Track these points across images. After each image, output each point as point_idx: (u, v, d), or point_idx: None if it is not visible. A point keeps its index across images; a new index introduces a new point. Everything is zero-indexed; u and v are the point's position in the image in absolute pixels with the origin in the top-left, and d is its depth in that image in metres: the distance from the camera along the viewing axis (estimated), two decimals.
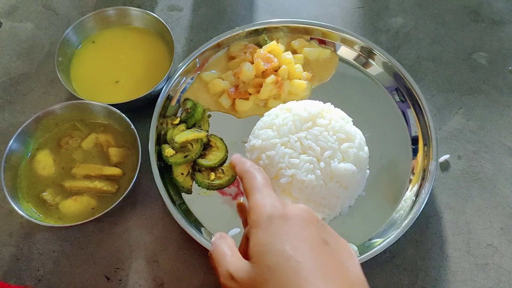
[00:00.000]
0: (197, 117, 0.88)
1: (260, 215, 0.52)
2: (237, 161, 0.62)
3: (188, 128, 0.88)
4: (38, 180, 0.80)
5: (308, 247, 0.48)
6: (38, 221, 0.75)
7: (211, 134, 0.88)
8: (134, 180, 0.77)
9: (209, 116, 0.91)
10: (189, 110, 0.89)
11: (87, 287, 0.77)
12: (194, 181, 0.84)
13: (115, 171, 0.80)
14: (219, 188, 0.84)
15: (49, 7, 1.06)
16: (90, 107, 0.83)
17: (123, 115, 0.81)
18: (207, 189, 0.84)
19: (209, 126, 0.90)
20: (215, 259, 0.54)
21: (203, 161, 0.85)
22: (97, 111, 0.84)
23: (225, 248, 0.54)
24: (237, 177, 0.62)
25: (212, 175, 0.84)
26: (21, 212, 0.74)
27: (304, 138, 0.77)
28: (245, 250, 0.53)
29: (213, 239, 0.57)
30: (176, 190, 0.84)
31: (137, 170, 0.78)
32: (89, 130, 0.85)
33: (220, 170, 0.85)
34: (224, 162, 0.87)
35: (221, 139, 0.88)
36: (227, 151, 0.87)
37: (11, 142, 0.79)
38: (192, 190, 0.84)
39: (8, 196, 0.75)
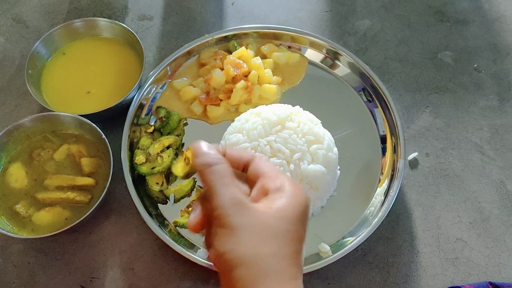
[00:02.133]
0: (172, 125, 0.89)
1: (275, 183, 0.51)
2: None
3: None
4: (11, 192, 0.80)
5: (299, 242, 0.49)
6: (11, 233, 0.75)
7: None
8: (106, 189, 0.77)
9: (186, 124, 0.91)
10: (163, 119, 0.89)
11: None
12: (179, 227, 0.82)
13: (88, 181, 0.81)
14: None
15: (19, 20, 1.06)
16: (60, 119, 0.84)
17: (94, 125, 0.82)
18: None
19: (184, 133, 0.90)
20: (211, 185, 0.50)
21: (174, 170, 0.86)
22: (68, 122, 0.84)
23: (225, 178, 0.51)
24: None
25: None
26: None
27: (273, 141, 0.79)
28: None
29: (197, 149, 0.53)
30: (151, 200, 0.84)
31: (109, 179, 0.78)
32: (61, 141, 0.85)
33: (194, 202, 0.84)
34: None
35: None
36: None
37: None
38: (168, 200, 0.84)
39: None
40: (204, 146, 0.53)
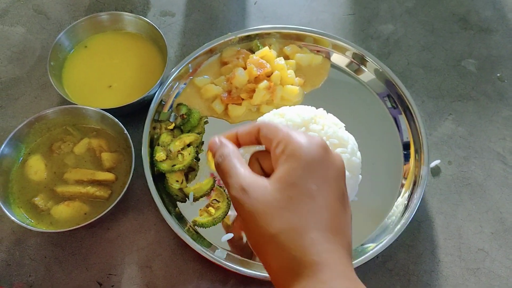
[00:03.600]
0: (193, 123, 0.88)
1: (298, 147, 0.49)
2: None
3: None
4: (29, 185, 0.80)
5: (333, 200, 0.49)
6: (29, 226, 0.74)
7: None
8: (127, 185, 0.77)
9: (206, 122, 0.91)
10: (184, 116, 0.88)
11: None
12: (198, 227, 0.81)
13: (108, 176, 0.80)
14: (224, 216, 0.82)
15: (41, 11, 1.05)
16: (83, 112, 0.83)
17: (116, 120, 0.81)
18: (213, 225, 0.81)
19: (204, 132, 0.90)
20: (225, 170, 0.52)
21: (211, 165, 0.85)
22: (90, 116, 0.83)
23: (234, 159, 0.52)
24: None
25: (212, 210, 0.82)
26: (12, 218, 0.73)
27: None
28: (257, 170, 0.54)
29: (211, 145, 0.55)
30: (170, 198, 0.83)
31: (130, 175, 0.77)
32: (82, 135, 0.84)
33: (214, 201, 0.83)
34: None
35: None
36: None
37: (2, 147, 0.78)
38: (187, 199, 0.84)
39: None
40: (214, 142, 0.55)
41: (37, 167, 0.81)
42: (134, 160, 0.79)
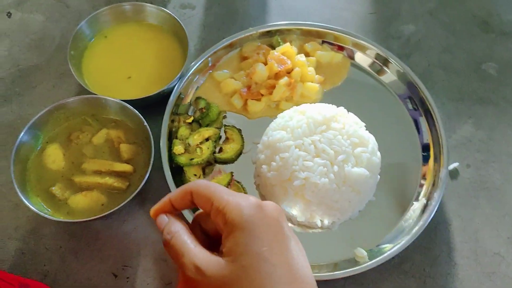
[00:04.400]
0: (212, 117, 0.88)
1: (237, 215, 0.50)
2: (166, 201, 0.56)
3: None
4: (47, 174, 0.79)
5: (281, 250, 0.49)
6: (47, 215, 0.74)
7: (228, 125, 0.89)
8: (146, 177, 0.76)
9: (225, 117, 0.90)
10: (203, 110, 0.88)
11: (94, 284, 0.76)
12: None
13: (126, 167, 0.80)
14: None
15: (60, 0, 1.05)
16: (102, 102, 0.82)
17: (136, 111, 0.80)
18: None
19: (222, 126, 0.90)
20: (175, 248, 0.51)
21: (218, 155, 0.85)
22: (109, 106, 0.83)
23: (185, 236, 0.52)
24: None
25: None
26: (30, 206, 0.72)
27: (318, 141, 0.78)
28: (204, 243, 0.52)
29: (159, 222, 0.55)
30: None
31: (150, 167, 0.77)
32: (100, 126, 0.84)
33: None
34: (240, 154, 0.87)
35: (239, 130, 0.88)
36: (243, 143, 0.87)
37: (21, 135, 0.78)
38: None
39: (17, 189, 0.74)
40: (162, 219, 0.55)
41: (55, 156, 0.80)
42: (153, 153, 0.78)
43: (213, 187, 0.53)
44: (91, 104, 0.83)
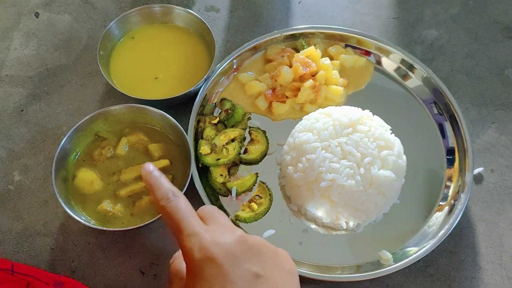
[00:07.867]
0: (237, 118, 0.89)
1: (190, 260, 0.49)
2: (151, 182, 0.53)
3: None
4: (89, 197, 0.78)
5: None
6: (97, 226, 0.74)
7: (253, 127, 0.89)
8: (190, 173, 0.77)
9: (249, 118, 0.91)
10: (229, 111, 0.89)
11: (122, 280, 0.77)
12: (240, 222, 0.82)
13: (163, 162, 0.80)
14: (266, 212, 0.83)
15: (87, 1, 1.06)
16: (113, 112, 0.83)
17: (172, 118, 0.82)
18: (255, 221, 0.82)
19: (247, 128, 0.90)
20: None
21: (243, 156, 0.86)
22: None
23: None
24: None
25: (254, 206, 0.82)
26: (82, 221, 0.73)
27: (344, 143, 0.78)
28: None
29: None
30: (213, 191, 0.84)
31: (191, 166, 0.78)
32: (114, 136, 0.83)
33: (256, 197, 0.84)
34: (265, 155, 0.87)
35: (263, 132, 0.89)
36: (268, 144, 0.88)
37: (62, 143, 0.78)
38: (230, 193, 0.84)
39: (64, 206, 0.73)
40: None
41: (90, 178, 0.79)
42: (192, 149, 0.80)
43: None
44: (102, 118, 0.82)
